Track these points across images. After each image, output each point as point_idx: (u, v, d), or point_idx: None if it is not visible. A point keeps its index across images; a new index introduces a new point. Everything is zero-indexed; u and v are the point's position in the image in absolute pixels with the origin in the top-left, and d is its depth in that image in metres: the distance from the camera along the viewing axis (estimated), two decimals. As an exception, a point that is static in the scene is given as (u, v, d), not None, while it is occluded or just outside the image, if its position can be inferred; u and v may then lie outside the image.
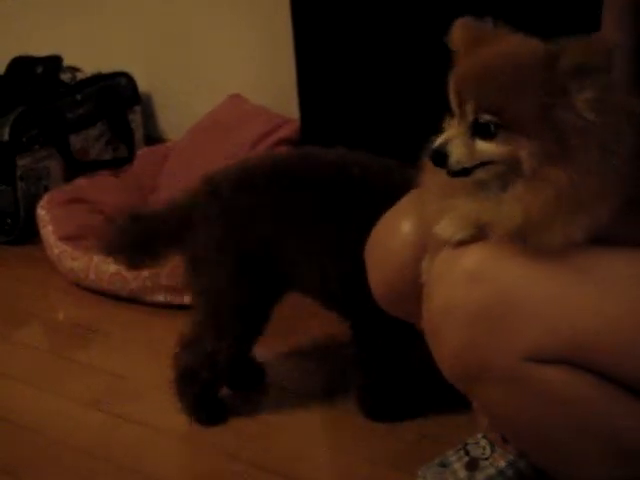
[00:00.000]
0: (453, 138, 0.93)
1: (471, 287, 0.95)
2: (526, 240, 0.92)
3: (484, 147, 0.92)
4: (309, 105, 2.25)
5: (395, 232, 1.17)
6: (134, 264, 1.70)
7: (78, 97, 2.77)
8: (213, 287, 1.60)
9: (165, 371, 1.65)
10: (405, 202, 1.20)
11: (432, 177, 1.01)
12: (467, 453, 1.42)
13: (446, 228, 0.98)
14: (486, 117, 0.91)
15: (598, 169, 0.88)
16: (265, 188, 1.56)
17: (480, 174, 0.94)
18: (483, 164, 0.94)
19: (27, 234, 2.59)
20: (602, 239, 0.92)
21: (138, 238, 1.63)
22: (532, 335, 0.94)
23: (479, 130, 0.92)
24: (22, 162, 2.60)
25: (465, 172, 0.94)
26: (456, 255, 0.97)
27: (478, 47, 0.94)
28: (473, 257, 0.96)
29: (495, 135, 0.91)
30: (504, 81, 0.90)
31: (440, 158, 0.93)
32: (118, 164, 2.76)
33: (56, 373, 1.94)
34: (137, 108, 2.95)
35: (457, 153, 0.93)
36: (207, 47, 2.85)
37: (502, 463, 1.38)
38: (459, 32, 0.97)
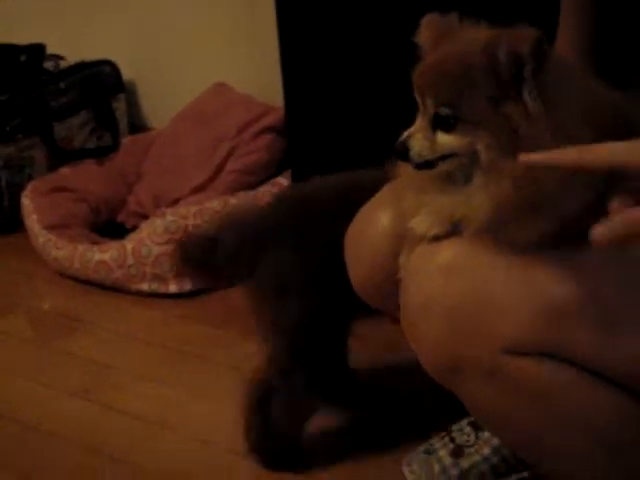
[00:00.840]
0: (415, 132, 0.96)
1: (447, 282, 0.96)
2: (497, 234, 0.93)
3: (444, 139, 0.94)
4: (293, 93, 2.25)
5: (373, 225, 1.17)
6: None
7: (62, 85, 2.76)
8: (299, 316, 1.46)
9: (149, 360, 1.65)
10: (382, 195, 1.19)
11: (406, 171, 1.02)
12: (452, 440, 1.43)
13: (421, 224, 0.98)
14: (445, 110, 0.93)
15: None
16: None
17: (443, 166, 0.95)
18: (445, 157, 0.95)
19: (11, 223, 2.58)
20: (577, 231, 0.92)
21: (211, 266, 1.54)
22: (509, 328, 0.94)
23: (440, 123, 0.94)
24: (6, 151, 2.59)
25: (428, 165, 0.96)
26: (432, 250, 0.98)
27: (440, 43, 0.96)
28: (448, 252, 0.97)
29: (454, 128, 0.93)
30: (456, 76, 0.92)
31: (403, 152, 0.96)
32: (102, 153, 2.75)
33: (41, 362, 1.94)
34: (121, 96, 2.94)
35: (418, 146, 0.95)
36: (191, 35, 2.84)
37: (487, 450, 1.39)
38: (425, 29, 0.99)
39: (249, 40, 2.71)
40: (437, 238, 0.98)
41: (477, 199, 0.93)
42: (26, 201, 2.42)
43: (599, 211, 0.87)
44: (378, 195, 1.20)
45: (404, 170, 1.04)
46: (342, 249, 1.32)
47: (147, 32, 2.93)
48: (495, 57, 0.88)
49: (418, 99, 0.97)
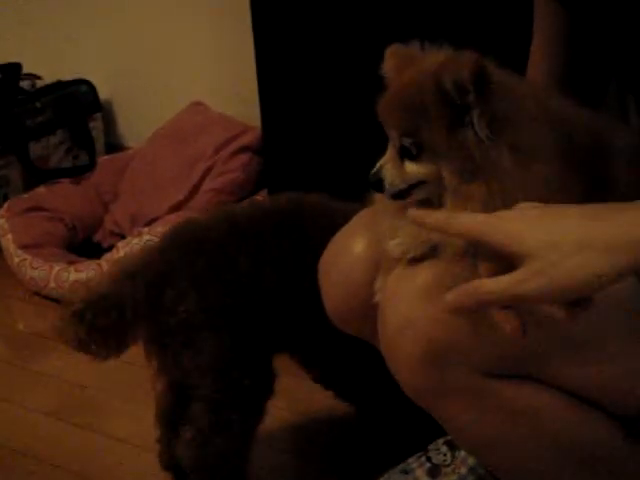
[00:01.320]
0: (385, 163, 0.97)
1: (425, 304, 0.96)
2: (474, 255, 0.93)
3: (411, 168, 0.95)
4: (270, 113, 2.25)
5: (347, 251, 1.16)
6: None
7: (38, 104, 2.75)
8: (213, 359, 1.39)
9: (125, 380, 1.64)
10: (356, 221, 1.19)
11: (381, 198, 1.02)
12: (429, 460, 1.43)
13: (398, 247, 0.98)
14: (407, 140, 0.94)
15: (516, 179, 0.89)
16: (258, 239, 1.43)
17: (417, 195, 0.96)
18: (415, 185, 0.96)
19: (-14, 243, 2.56)
20: None
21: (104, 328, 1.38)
22: (487, 350, 0.94)
23: (405, 153, 0.95)
24: (-19, 170, 2.58)
25: (402, 195, 0.97)
26: (409, 273, 0.98)
27: (402, 72, 0.97)
28: (426, 274, 0.97)
29: (419, 156, 0.94)
30: (412, 106, 0.92)
31: (377, 183, 0.97)
32: (78, 172, 2.74)
33: (15, 382, 1.92)
34: (98, 115, 2.93)
35: (390, 176, 0.96)
36: (168, 54, 2.84)
37: (463, 470, 1.39)
38: (389, 58, 0.99)
39: (226, 59, 2.71)
40: (414, 261, 0.98)
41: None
42: (1, 220, 2.41)
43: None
44: (352, 221, 1.20)
45: (379, 197, 1.04)
46: (245, 281, 1.35)
47: (124, 51, 2.93)
48: (442, 85, 0.89)
49: (385, 130, 0.98)
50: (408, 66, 0.96)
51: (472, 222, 0.86)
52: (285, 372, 1.47)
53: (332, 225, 1.32)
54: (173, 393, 1.50)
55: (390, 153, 0.97)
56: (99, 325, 1.35)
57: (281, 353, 1.48)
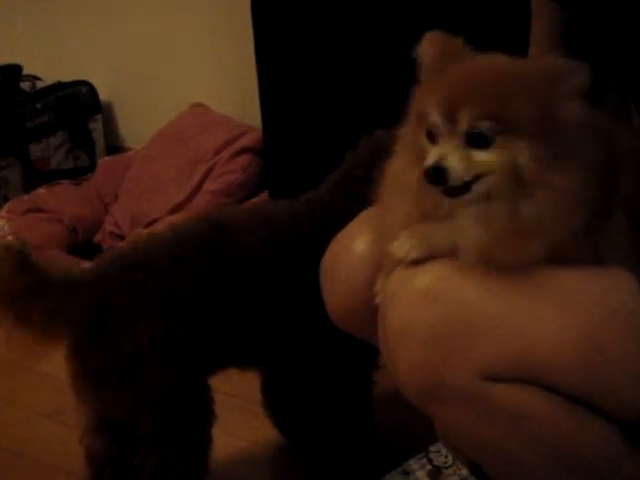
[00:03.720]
0: (448, 153, 0.90)
1: (426, 306, 0.95)
2: (491, 260, 0.92)
3: (482, 157, 0.89)
4: (271, 114, 2.25)
5: (349, 251, 1.16)
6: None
7: (38, 106, 2.75)
8: (158, 393, 1.31)
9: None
10: (358, 221, 1.19)
11: (395, 198, 1.00)
12: (430, 461, 1.43)
13: (400, 247, 0.97)
14: (485, 124, 0.88)
15: (583, 179, 0.89)
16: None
17: (477, 189, 0.91)
18: (478, 178, 0.90)
19: (-14, 244, 2.56)
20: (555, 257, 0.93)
21: None
22: (487, 353, 0.94)
23: (476, 140, 0.89)
24: (-20, 172, 2.58)
25: (466, 187, 0.90)
26: (410, 274, 0.97)
27: (456, 61, 0.93)
28: (427, 276, 0.96)
29: (493, 143, 0.89)
30: (507, 87, 0.89)
31: (439, 175, 0.89)
32: (79, 173, 2.74)
33: (13, 384, 1.91)
34: (98, 117, 2.94)
35: (457, 167, 0.89)
36: (169, 55, 2.84)
37: (464, 471, 1.39)
38: (429, 45, 0.96)
39: (227, 61, 2.71)
40: (416, 262, 0.97)
41: (471, 231, 0.91)
42: (2, 222, 2.41)
43: (591, 231, 0.88)
44: (354, 221, 1.20)
45: (385, 196, 1.03)
46: (188, 309, 1.31)
47: (124, 53, 2.93)
48: (559, 83, 0.87)
49: (439, 115, 0.91)
50: (456, 57, 0.93)
51: None
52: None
53: (262, 240, 1.36)
54: (106, 437, 1.39)
55: (450, 142, 0.90)
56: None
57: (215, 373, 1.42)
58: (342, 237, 1.20)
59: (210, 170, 2.51)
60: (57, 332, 1.31)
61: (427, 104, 0.92)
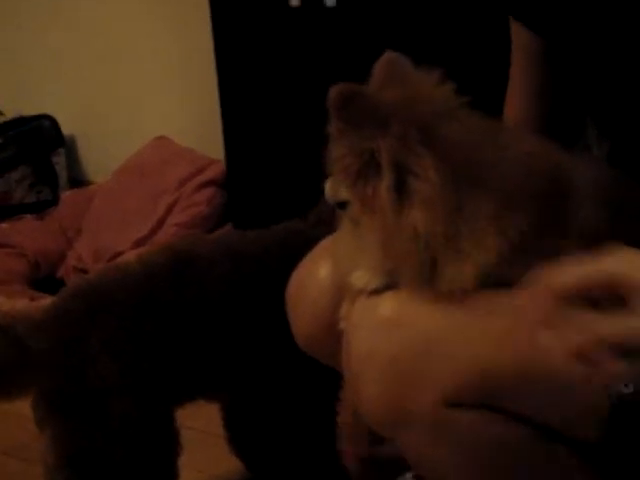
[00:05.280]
0: (332, 176, 0.96)
1: (389, 334, 0.95)
2: (431, 284, 0.93)
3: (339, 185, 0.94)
4: (234, 147, 2.26)
5: (313, 276, 1.17)
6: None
7: (0, 140, 2.74)
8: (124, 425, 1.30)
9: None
10: (322, 246, 1.20)
11: (346, 224, 1.02)
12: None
13: (360, 279, 0.98)
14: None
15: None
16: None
17: (344, 212, 0.95)
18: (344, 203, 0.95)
19: (-52, 280, 2.53)
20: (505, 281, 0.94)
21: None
22: (448, 380, 0.94)
23: None
24: (-58, 207, 2.56)
25: (338, 208, 0.96)
26: (372, 303, 0.98)
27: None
28: (389, 304, 0.97)
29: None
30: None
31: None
32: (42, 207, 2.73)
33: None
34: (61, 150, 2.93)
35: (327, 188, 0.96)
36: (132, 89, 2.84)
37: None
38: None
39: (189, 94, 2.72)
40: (376, 292, 0.98)
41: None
42: (-37, 257, 2.39)
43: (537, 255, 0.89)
44: (316, 248, 1.20)
45: (344, 223, 1.04)
46: (154, 341, 1.31)
47: (87, 86, 2.92)
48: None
49: None
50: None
51: None
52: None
53: (228, 271, 1.36)
54: (70, 472, 1.35)
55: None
56: None
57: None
58: (307, 262, 1.21)
59: (174, 203, 2.51)
60: (27, 374, 1.30)
61: None
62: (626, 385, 0.89)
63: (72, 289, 1.41)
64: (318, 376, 1.31)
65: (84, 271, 2.44)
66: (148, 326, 1.33)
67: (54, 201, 2.76)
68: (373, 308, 0.98)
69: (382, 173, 0.89)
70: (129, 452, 1.31)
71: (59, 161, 2.91)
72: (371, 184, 0.90)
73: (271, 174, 2.19)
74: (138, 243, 2.46)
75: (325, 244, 1.20)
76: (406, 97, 0.91)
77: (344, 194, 0.94)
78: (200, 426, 1.65)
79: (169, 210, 2.51)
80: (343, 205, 0.95)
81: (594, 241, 0.94)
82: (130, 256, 2.24)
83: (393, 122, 0.88)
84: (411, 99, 0.91)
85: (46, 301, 2.18)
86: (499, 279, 0.93)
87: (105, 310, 1.31)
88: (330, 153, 0.96)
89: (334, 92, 0.89)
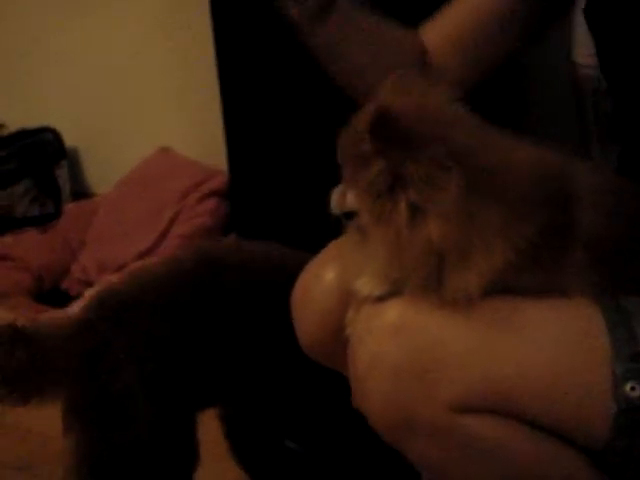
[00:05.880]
0: (339, 188, 0.97)
1: (395, 341, 0.96)
2: (436, 293, 0.93)
3: (348, 197, 0.96)
4: (237, 157, 2.26)
5: (319, 280, 1.17)
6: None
7: (2, 154, 2.74)
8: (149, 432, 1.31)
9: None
10: (328, 250, 1.20)
11: (351, 233, 1.02)
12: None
13: (365, 285, 0.98)
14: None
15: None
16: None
17: (352, 223, 0.97)
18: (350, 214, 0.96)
19: (-48, 294, 2.53)
20: (512, 288, 0.94)
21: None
22: (455, 386, 0.94)
23: None
24: (-55, 220, 2.57)
25: (343, 219, 0.98)
26: (378, 311, 0.98)
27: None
28: (395, 311, 0.97)
29: None
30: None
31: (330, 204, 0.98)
32: (45, 220, 2.73)
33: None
34: (63, 163, 2.92)
35: (333, 200, 0.98)
36: (134, 101, 2.85)
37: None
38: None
39: (192, 104, 2.72)
40: (382, 298, 0.98)
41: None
42: (-33, 271, 2.39)
43: (544, 265, 0.89)
44: (323, 251, 1.21)
45: (350, 232, 1.04)
46: (180, 347, 1.32)
47: (89, 98, 2.93)
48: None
49: None
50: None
51: None
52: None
53: (249, 275, 1.37)
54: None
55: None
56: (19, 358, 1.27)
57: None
58: (312, 266, 1.21)
59: (177, 214, 2.51)
60: (52, 388, 1.32)
61: None
62: (632, 388, 0.89)
63: (97, 298, 1.41)
64: (325, 384, 1.32)
65: (88, 283, 2.44)
66: (172, 334, 1.34)
67: (57, 214, 2.76)
68: (379, 314, 0.98)
69: (407, 189, 0.89)
70: (152, 459, 1.32)
71: (62, 174, 2.91)
72: (393, 200, 0.90)
73: (274, 184, 2.19)
74: (142, 255, 2.46)
75: (330, 249, 1.20)
76: (420, 106, 0.92)
77: (351, 205, 0.95)
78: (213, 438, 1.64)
79: (172, 221, 2.51)
80: (350, 215, 0.96)
81: (598, 248, 0.95)
82: (136, 267, 2.25)
83: (424, 142, 0.88)
84: (424, 108, 0.92)
85: (50, 314, 2.18)
86: (506, 287, 0.93)
87: (130, 319, 1.33)
88: (340, 165, 0.97)
89: (371, 112, 0.89)
